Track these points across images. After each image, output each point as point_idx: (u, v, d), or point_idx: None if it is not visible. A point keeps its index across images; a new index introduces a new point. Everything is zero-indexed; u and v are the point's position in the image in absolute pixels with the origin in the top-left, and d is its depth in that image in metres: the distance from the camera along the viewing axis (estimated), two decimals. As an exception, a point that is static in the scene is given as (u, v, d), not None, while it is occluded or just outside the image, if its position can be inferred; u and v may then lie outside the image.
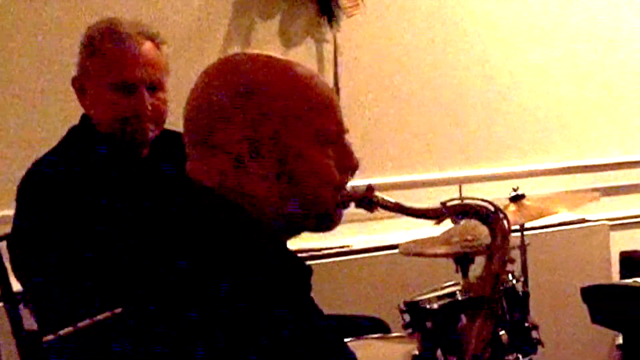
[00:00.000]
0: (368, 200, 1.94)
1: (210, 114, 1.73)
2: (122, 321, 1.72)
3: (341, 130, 1.79)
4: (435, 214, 2.04)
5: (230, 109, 1.71)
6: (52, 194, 2.56)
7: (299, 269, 1.70)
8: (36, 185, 2.64)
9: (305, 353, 1.61)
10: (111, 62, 2.57)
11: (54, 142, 2.77)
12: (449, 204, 2.05)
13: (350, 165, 1.80)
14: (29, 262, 2.59)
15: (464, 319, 2.52)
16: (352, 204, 1.96)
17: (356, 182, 2.15)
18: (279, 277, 1.64)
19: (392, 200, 2.01)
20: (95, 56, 2.57)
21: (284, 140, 1.71)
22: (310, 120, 1.74)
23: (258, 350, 1.55)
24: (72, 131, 2.73)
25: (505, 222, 2.07)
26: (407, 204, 2.00)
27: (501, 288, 2.19)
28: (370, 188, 1.94)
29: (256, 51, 1.87)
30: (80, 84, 2.65)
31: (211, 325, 1.56)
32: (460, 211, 2.09)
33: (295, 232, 1.80)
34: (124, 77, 2.52)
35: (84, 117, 2.70)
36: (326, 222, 1.80)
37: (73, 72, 2.84)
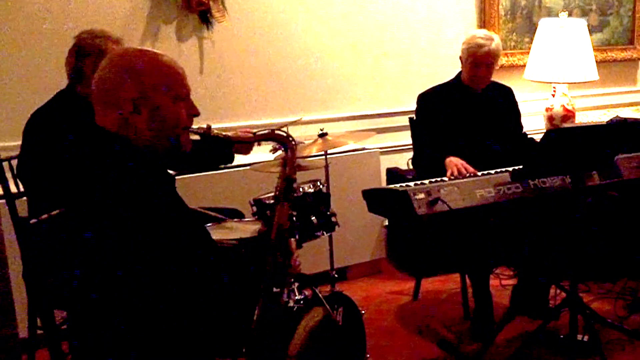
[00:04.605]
0: (207, 133, 2.09)
1: (108, 85, 1.88)
2: (71, 213, 1.87)
3: (187, 92, 1.97)
4: (251, 140, 2.21)
5: (120, 83, 1.87)
6: (43, 133, 2.77)
7: (165, 175, 1.96)
8: (35, 127, 2.83)
9: (173, 224, 1.84)
10: None
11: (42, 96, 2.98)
12: (257, 132, 2.20)
13: (194, 113, 1.99)
14: (27, 171, 2.80)
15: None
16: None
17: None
18: (152, 178, 1.85)
19: (224, 133, 2.17)
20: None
21: (153, 101, 1.88)
22: (168, 87, 1.90)
23: (145, 223, 1.77)
24: (60, 93, 2.92)
25: (292, 141, 2.22)
26: (230, 134, 2.18)
27: (293, 183, 2.23)
28: (208, 126, 2.10)
29: (138, 47, 2.08)
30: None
31: (119, 209, 1.75)
32: (265, 137, 2.22)
33: (163, 154, 1.94)
34: None
35: (70, 85, 2.91)
36: (179, 146, 1.95)
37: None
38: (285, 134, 2.20)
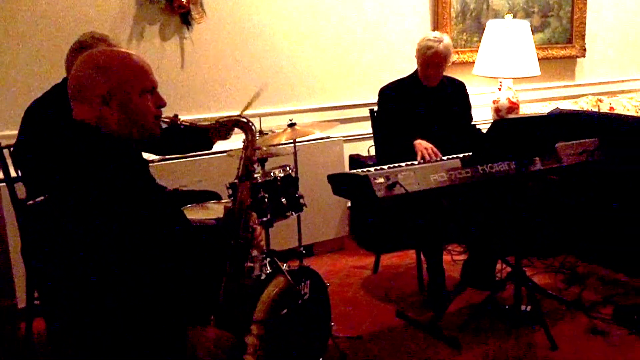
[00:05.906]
0: (174, 121, 2.05)
1: (80, 82, 1.90)
2: (56, 198, 1.85)
3: (154, 85, 1.97)
4: (215, 126, 2.13)
5: (91, 79, 1.88)
6: (38, 124, 2.77)
7: (137, 159, 1.99)
8: (29, 117, 2.83)
9: (145, 203, 1.88)
10: None
11: (40, 88, 2.98)
12: (221, 120, 2.15)
13: (161, 104, 1.99)
14: (25, 156, 2.78)
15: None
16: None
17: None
18: (123, 162, 1.89)
19: (189, 121, 2.11)
20: None
21: (121, 96, 1.89)
22: (135, 83, 1.91)
23: (117, 203, 1.78)
24: (56, 86, 2.92)
25: (253, 127, 2.15)
26: (199, 122, 2.14)
27: (253, 164, 2.14)
28: (175, 115, 2.06)
29: (110, 48, 2.11)
30: None
31: (99, 192, 1.77)
32: (228, 123, 2.17)
33: (136, 141, 1.94)
34: None
35: (65, 79, 2.84)
36: (151, 134, 1.96)
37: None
38: (245, 120, 2.17)
